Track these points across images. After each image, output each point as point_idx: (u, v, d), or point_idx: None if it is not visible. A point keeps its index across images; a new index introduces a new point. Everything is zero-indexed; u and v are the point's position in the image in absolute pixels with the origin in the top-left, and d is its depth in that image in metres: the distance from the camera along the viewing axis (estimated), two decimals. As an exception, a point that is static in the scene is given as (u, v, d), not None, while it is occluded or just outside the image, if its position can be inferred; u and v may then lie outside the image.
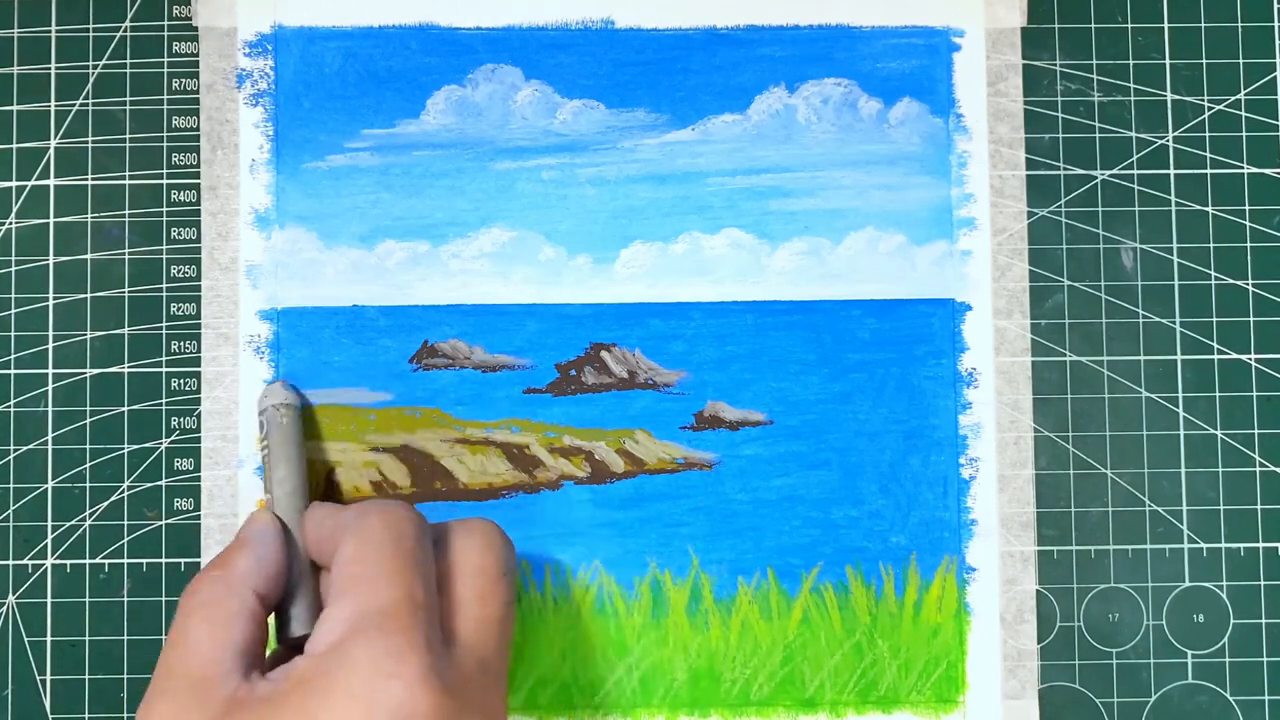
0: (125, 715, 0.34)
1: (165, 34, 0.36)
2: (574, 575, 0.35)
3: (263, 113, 0.35)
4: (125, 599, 0.35)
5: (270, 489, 0.32)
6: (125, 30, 0.36)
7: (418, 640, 0.26)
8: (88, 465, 0.35)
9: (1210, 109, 0.36)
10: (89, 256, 0.35)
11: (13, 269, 0.35)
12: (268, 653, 0.29)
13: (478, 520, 0.30)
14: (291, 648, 0.29)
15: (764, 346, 0.35)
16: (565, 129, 0.36)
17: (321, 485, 0.35)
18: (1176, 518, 0.36)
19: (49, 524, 0.35)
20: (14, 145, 0.35)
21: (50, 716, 0.34)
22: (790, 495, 0.35)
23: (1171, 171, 0.36)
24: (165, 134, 0.35)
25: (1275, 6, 0.37)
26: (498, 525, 0.30)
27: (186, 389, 0.35)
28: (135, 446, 0.35)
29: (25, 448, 0.35)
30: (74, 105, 0.35)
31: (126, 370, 0.35)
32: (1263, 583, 0.35)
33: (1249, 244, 0.36)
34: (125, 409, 0.35)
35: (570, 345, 0.35)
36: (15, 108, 0.35)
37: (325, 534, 0.30)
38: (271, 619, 0.30)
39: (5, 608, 0.34)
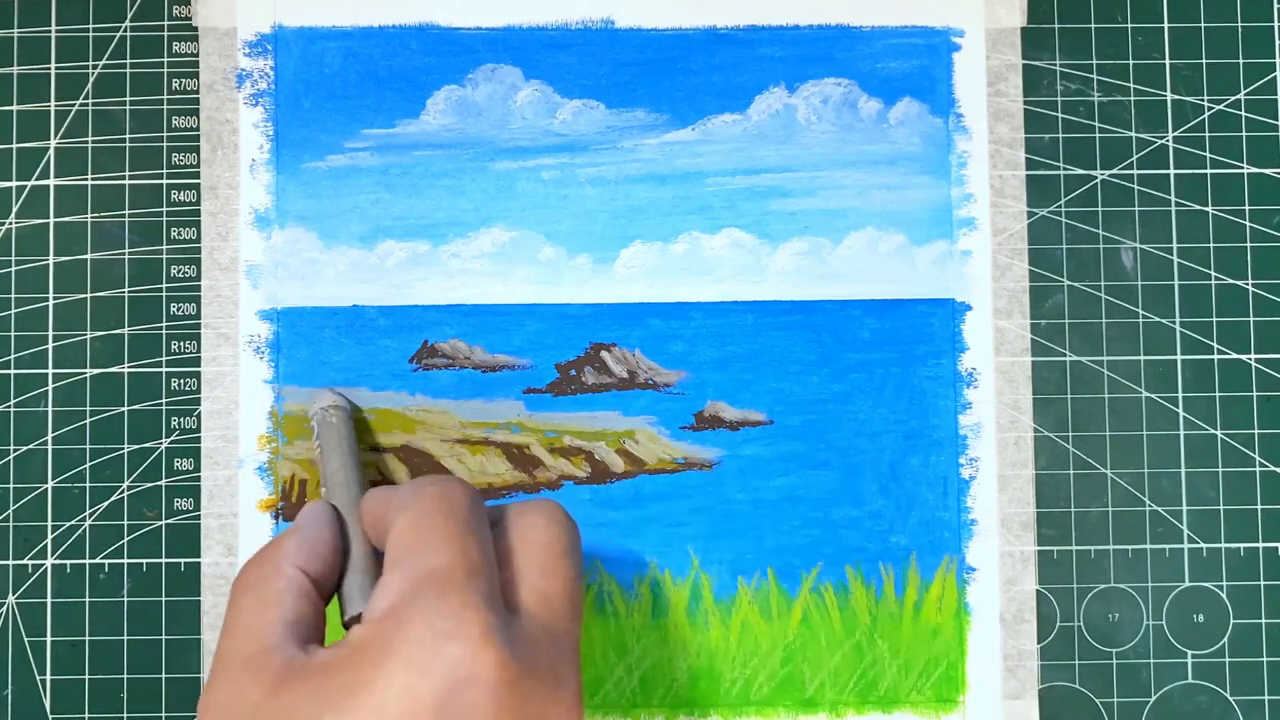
0: (125, 715, 0.34)
1: (165, 34, 0.36)
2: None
3: (263, 113, 0.35)
4: (125, 599, 0.35)
5: (324, 482, 0.32)
6: (125, 30, 0.36)
7: (474, 600, 0.25)
8: (88, 465, 0.35)
9: (1210, 109, 0.36)
10: (89, 256, 0.35)
11: (13, 269, 0.35)
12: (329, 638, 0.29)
13: (539, 500, 0.29)
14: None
15: (764, 346, 0.35)
16: (565, 129, 0.36)
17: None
18: (1176, 518, 0.36)
19: (49, 524, 0.35)
20: (14, 145, 0.35)
21: (50, 716, 0.34)
22: (790, 495, 0.35)
23: (1171, 171, 0.36)
24: (165, 134, 0.35)
25: (1275, 6, 0.37)
26: (560, 505, 0.29)
27: (186, 389, 0.35)
28: (135, 446, 0.35)
29: (25, 448, 0.35)
30: (74, 105, 0.35)
31: (126, 370, 0.35)
32: (1263, 583, 0.35)
33: (1249, 244, 0.36)
34: (125, 409, 0.35)
35: (570, 345, 0.35)
36: (15, 108, 0.35)
37: (379, 512, 0.29)
38: (335, 606, 0.29)
39: (5, 608, 0.34)
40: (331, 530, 0.29)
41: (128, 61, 0.36)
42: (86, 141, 0.35)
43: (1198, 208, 0.36)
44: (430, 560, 0.26)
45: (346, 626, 0.29)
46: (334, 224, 0.35)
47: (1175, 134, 0.36)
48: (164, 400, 0.35)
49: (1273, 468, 0.36)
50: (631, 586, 0.35)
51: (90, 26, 0.36)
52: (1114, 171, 0.36)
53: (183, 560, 0.35)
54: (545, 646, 0.26)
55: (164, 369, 0.35)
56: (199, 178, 0.35)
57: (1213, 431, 0.36)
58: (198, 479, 0.35)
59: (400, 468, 0.35)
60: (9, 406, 0.35)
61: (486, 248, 0.35)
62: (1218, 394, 0.36)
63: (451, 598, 0.25)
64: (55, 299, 0.35)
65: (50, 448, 0.35)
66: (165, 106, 0.35)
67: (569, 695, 0.26)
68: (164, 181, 0.35)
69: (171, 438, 0.35)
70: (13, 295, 0.35)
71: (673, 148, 0.36)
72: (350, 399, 0.35)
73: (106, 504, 0.35)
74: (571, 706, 0.26)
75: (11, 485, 0.35)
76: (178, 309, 0.35)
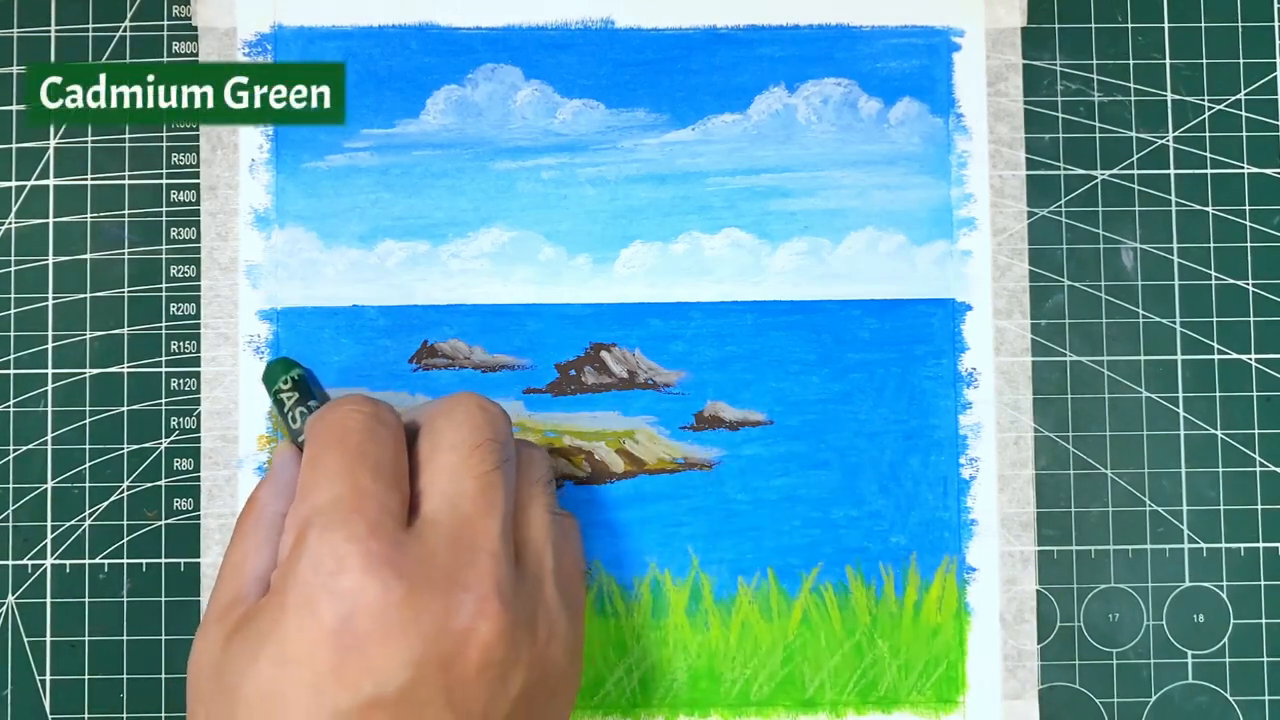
0: (125, 715, 0.34)
1: (165, 34, 0.36)
2: (574, 575, 0.35)
3: (263, 113, 0.35)
4: (125, 599, 0.35)
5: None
6: (125, 30, 0.36)
7: (358, 531, 0.26)
8: (87, 465, 0.35)
9: (1210, 109, 0.36)
10: (89, 256, 0.35)
11: (12, 269, 0.35)
12: None
13: (456, 396, 0.29)
14: None
15: (764, 346, 0.35)
16: (565, 129, 0.36)
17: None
18: (1176, 518, 0.36)
19: (49, 524, 0.35)
20: (14, 145, 0.35)
21: (50, 716, 0.34)
22: (790, 495, 0.35)
23: (1171, 171, 0.36)
24: (165, 134, 0.35)
25: (1275, 6, 0.37)
26: (480, 396, 0.29)
27: (186, 389, 0.35)
28: (135, 446, 0.35)
29: (25, 448, 0.35)
30: (74, 105, 0.35)
31: (126, 370, 0.35)
32: (1263, 583, 0.35)
33: (1249, 244, 0.36)
34: (125, 409, 0.35)
35: (570, 345, 0.35)
36: (15, 108, 0.35)
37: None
38: None
39: (5, 608, 0.34)
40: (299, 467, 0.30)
41: (128, 62, 0.35)
42: (86, 141, 0.35)
43: (1198, 208, 0.36)
44: (316, 498, 0.27)
45: None
46: (334, 224, 0.35)
47: (1175, 134, 0.36)
48: (164, 400, 0.35)
49: (1273, 468, 0.36)
50: (631, 586, 0.35)
51: (90, 26, 0.36)
52: (1114, 171, 0.36)
53: (182, 560, 0.35)
54: (445, 554, 0.26)
55: (164, 369, 0.35)
56: (199, 178, 0.35)
57: (1213, 431, 0.36)
58: (197, 479, 0.35)
59: (400, 468, 0.35)
60: (9, 406, 0.35)
61: (486, 248, 0.35)
62: (1218, 394, 0.36)
63: (335, 532, 0.26)
64: (55, 299, 0.35)
65: (50, 448, 0.35)
66: (165, 106, 0.35)
67: (472, 597, 0.26)
68: (164, 181, 0.35)
69: (171, 438, 0.35)
70: (12, 295, 0.35)
71: (673, 148, 0.36)
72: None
73: (106, 504, 0.35)
74: (485, 597, 0.26)
75: (11, 485, 0.35)
76: (177, 309, 0.35)
